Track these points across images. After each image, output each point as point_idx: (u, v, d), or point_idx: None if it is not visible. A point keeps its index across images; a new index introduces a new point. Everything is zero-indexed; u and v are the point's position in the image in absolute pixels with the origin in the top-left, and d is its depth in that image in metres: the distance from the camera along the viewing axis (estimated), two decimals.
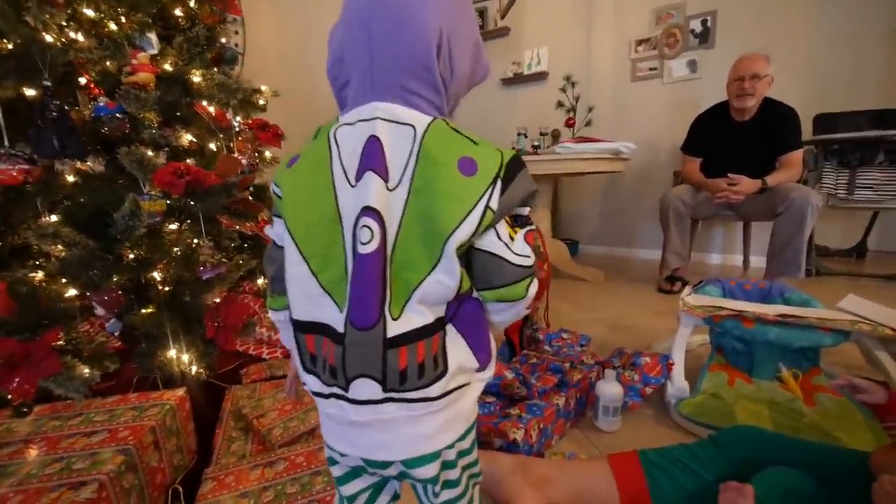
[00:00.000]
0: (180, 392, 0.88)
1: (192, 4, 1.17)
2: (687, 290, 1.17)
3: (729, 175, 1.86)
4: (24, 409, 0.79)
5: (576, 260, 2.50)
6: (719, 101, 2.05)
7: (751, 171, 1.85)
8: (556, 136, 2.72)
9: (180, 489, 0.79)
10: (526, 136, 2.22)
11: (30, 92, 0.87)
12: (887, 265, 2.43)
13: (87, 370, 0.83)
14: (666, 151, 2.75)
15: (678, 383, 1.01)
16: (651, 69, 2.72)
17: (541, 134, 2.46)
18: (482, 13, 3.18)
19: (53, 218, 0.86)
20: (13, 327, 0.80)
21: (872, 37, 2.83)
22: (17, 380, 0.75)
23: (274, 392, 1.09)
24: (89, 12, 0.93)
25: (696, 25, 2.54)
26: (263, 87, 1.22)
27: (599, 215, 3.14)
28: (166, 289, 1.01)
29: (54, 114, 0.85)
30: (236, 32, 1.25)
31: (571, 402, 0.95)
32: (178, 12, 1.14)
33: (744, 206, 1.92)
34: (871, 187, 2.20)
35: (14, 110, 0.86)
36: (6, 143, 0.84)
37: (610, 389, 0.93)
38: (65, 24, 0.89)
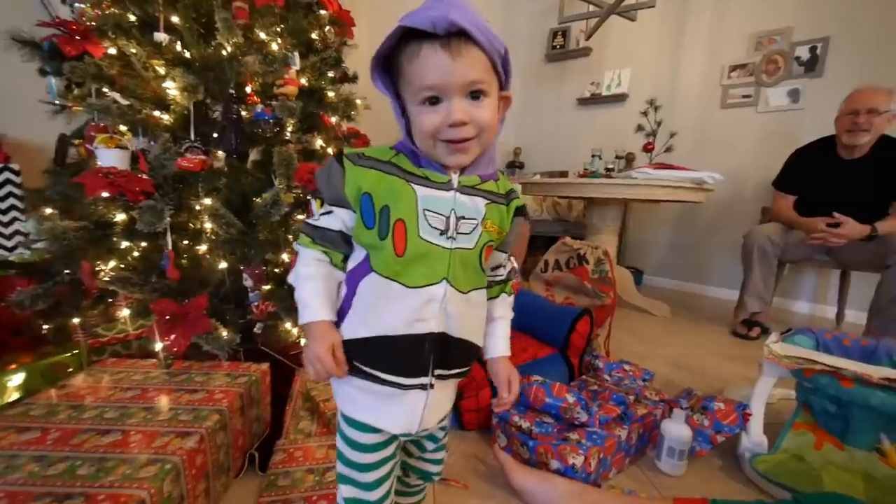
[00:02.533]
0: (265, 366, 0.97)
1: (326, 30, 1.35)
2: (773, 336, 1.08)
3: (834, 214, 1.68)
4: (170, 361, 0.94)
5: (640, 291, 2.38)
6: (824, 136, 1.87)
7: (857, 214, 1.67)
8: (630, 160, 2.63)
9: (256, 454, 0.87)
10: (600, 158, 2.17)
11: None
12: None
13: (225, 333, 0.98)
14: (753, 185, 2.55)
15: (755, 436, 0.94)
16: (745, 97, 2.55)
17: (616, 157, 2.39)
18: (564, 33, 3.18)
19: (208, 201, 1.02)
20: (175, 291, 0.97)
21: None
22: (173, 335, 0.90)
23: None
24: (262, 34, 1.13)
25: (802, 52, 2.35)
26: (358, 101, 1.36)
27: (670, 246, 2.97)
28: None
29: (234, 116, 1.05)
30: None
31: (633, 436, 0.91)
32: (314, 35, 1.32)
33: (846, 252, 1.73)
34: None
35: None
36: (192, 136, 1.04)
37: (678, 430, 0.89)
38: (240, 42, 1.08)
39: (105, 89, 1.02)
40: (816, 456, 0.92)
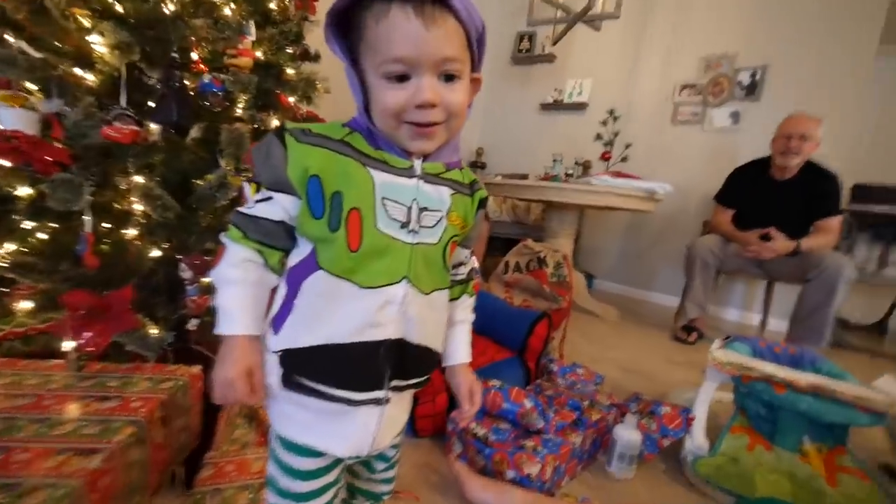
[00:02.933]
0: (196, 369, 0.86)
1: (286, 1, 1.23)
2: (716, 343, 1.14)
3: (770, 231, 1.82)
4: (82, 363, 0.80)
5: (591, 294, 2.46)
6: (761, 157, 2.02)
7: (785, 231, 1.82)
8: (587, 168, 2.71)
9: (179, 470, 0.77)
10: (561, 163, 2.21)
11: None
12: None
13: (156, 331, 0.86)
14: (697, 199, 2.72)
15: (698, 440, 0.98)
16: (693, 114, 2.71)
17: (575, 163, 2.45)
18: (531, 37, 3.22)
19: (139, 179, 0.88)
20: (93, 281, 0.83)
21: None
22: (90, 332, 0.77)
23: None
24: None
25: (744, 77, 2.54)
26: (318, 84, 1.26)
27: (619, 252, 3.10)
28: None
29: (176, 84, 0.93)
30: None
31: (587, 442, 0.92)
32: (272, 5, 1.19)
33: (773, 265, 1.89)
34: None
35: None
36: (123, 103, 0.89)
37: (629, 435, 0.90)
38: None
39: (8, 36, 0.85)
40: (749, 457, 0.98)
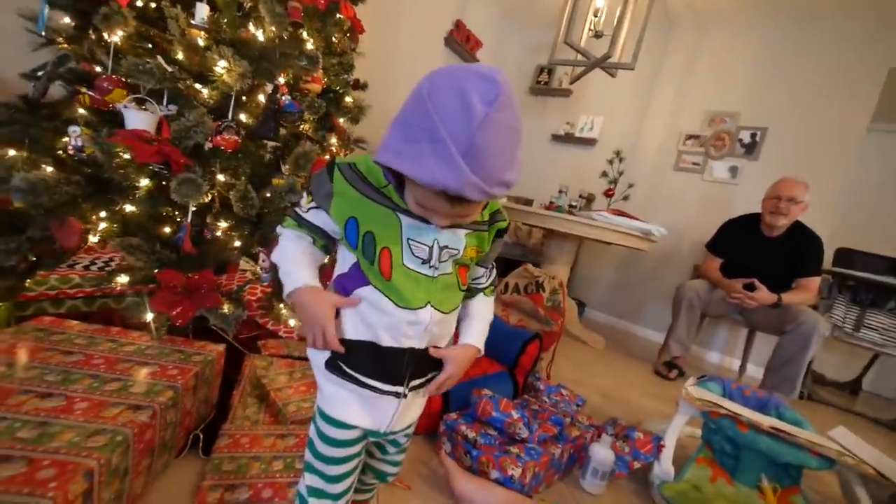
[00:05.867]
0: (221, 347, 0.95)
1: (346, 35, 1.39)
2: (691, 380, 1.24)
3: (754, 281, 1.94)
4: (163, 332, 0.92)
5: (581, 322, 2.56)
6: (753, 212, 2.16)
7: (768, 284, 1.94)
8: (590, 201, 2.84)
9: (200, 436, 0.85)
10: (566, 195, 2.34)
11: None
12: (877, 408, 2.48)
13: (232, 308, 0.99)
14: (690, 243, 2.85)
15: (665, 465, 1.07)
16: (694, 164, 2.86)
17: (580, 196, 2.58)
18: (550, 72, 3.38)
19: (239, 181, 1.03)
20: (174, 263, 0.96)
21: None
22: (180, 307, 0.89)
23: (289, 370, 1.15)
24: (304, 33, 1.17)
25: (745, 136, 2.70)
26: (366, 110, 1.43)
27: (612, 285, 3.22)
28: None
29: (276, 106, 1.08)
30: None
31: (565, 455, 1.00)
32: (334, 38, 1.36)
33: (755, 315, 2.00)
34: (878, 330, 2.28)
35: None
36: (230, 117, 1.04)
37: (603, 453, 0.99)
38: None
39: (144, 51, 0.97)
40: (711, 488, 1.07)
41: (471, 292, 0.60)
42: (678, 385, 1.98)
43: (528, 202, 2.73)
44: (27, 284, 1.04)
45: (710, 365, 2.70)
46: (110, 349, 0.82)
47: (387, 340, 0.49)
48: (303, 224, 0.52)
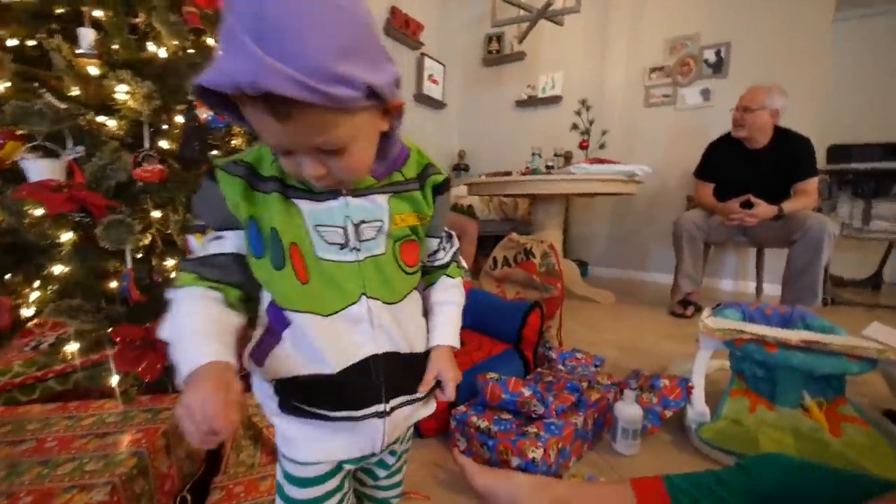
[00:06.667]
0: None
1: None
2: (706, 312, 1.15)
3: (750, 197, 1.86)
4: (132, 395, 0.84)
5: (586, 281, 2.48)
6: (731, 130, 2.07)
7: (765, 198, 1.85)
8: (568, 158, 2.74)
9: (188, 497, 0.77)
10: (540, 156, 2.24)
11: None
12: None
13: None
14: (677, 177, 2.76)
15: (699, 407, 0.99)
16: (665, 96, 2.76)
17: (555, 155, 2.48)
18: (499, 38, 3.27)
19: (175, 214, 0.94)
20: (143, 315, 0.87)
21: (881, 73, 2.88)
22: (144, 362, 0.81)
23: None
24: (209, 40, 1.06)
25: (710, 55, 2.59)
26: None
27: (609, 238, 3.13)
28: None
29: (195, 124, 0.98)
30: None
31: (589, 422, 0.93)
32: None
33: (758, 232, 1.91)
34: (888, 218, 2.19)
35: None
36: (147, 145, 0.93)
37: (629, 410, 0.91)
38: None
39: (32, 94, 0.87)
40: (751, 418, 0.99)
41: (431, 275, 0.51)
42: (696, 321, 1.90)
43: (507, 174, 2.64)
44: None
45: (724, 293, 2.62)
46: (67, 427, 0.74)
47: (338, 364, 0.40)
48: (205, 272, 0.40)
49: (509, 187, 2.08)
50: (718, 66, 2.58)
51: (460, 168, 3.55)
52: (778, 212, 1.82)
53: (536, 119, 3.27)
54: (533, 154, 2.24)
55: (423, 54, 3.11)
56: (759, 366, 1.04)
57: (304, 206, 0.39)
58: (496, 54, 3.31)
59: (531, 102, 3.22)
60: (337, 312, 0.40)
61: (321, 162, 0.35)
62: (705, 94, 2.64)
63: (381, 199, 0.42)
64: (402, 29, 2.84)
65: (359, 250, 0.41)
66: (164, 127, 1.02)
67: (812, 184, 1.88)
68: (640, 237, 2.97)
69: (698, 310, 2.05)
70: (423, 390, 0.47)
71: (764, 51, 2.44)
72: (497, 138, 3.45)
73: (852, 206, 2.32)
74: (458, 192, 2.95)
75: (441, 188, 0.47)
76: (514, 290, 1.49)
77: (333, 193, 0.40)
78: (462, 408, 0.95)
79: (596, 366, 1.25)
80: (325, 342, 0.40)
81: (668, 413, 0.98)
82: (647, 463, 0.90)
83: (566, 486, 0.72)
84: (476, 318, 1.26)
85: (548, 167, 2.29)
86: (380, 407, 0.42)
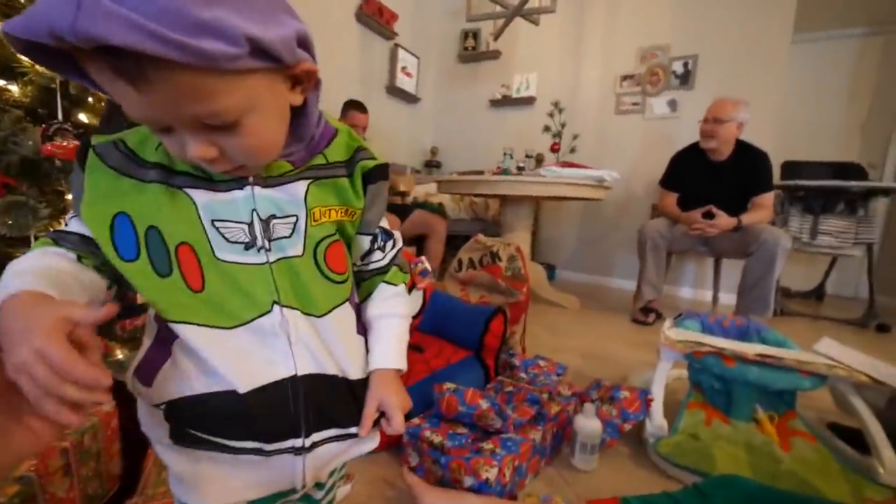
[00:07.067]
0: (108, 407, 0.76)
1: None
2: (668, 323, 1.15)
3: (711, 208, 1.90)
4: None
5: (553, 285, 2.48)
6: (697, 141, 2.11)
7: (725, 209, 1.90)
8: (539, 160, 2.73)
9: None
10: (512, 157, 2.21)
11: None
12: (843, 309, 2.55)
13: (128, 352, 0.81)
14: (644, 185, 2.81)
15: (657, 421, 0.97)
16: (634, 104, 2.80)
17: (526, 156, 2.46)
18: (475, 35, 3.22)
19: None
20: None
21: (833, 95, 3.05)
22: None
23: None
24: None
25: (678, 67, 2.65)
26: None
27: (578, 242, 3.16)
28: None
29: None
30: None
31: (548, 437, 0.89)
32: None
33: (717, 242, 1.97)
34: (832, 234, 2.31)
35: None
36: (60, 117, 0.81)
37: (589, 425, 0.88)
38: None
39: None
40: (707, 432, 0.98)
41: (367, 282, 0.44)
42: (658, 329, 1.93)
43: (479, 173, 2.59)
44: None
45: (683, 301, 2.69)
46: None
47: (246, 383, 0.33)
48: (61, 241, 0.32)
49: (480, 187, 2.04)
50: (686, 78, 2.65)
51: (432, 165, 3.48)
52: (737, 223, 1.88)
53: (510, 119, 3.25)
54: (505, 154, 2.21)
55: (396, 45, 3.01)
56: (716, 378, 1.04)
57: (199, 197, 0.32)
58: (472, 51, 3.26)
59: (505, 102, 3.20)
60: (245, 324, 0.33)
61: (209, 141, 0.27)
62: (672, 104, 2.70)
63: (298, 189, 0.35)
64: (376, 16, 2.73)
65: (269, 250, 0.34)
66: (89, 99, 0.89)
67: (769, 198, 1.95)
68: (607, 243, 3.02)
69: (659, 317, 2.09)
70: (362, 434, 0.40)
71: (728, 66, 2.52)
72: (471, 136, 3.40)
73: (801, 221, 2.44)
74: (429, 188, 2.89)
75: (374, 175, 0.39)
76: (478, 293, 1.44)
77: (238, 181, 0.33)
78: (416, 420, 0.89)
79: (558, 374, 1.22)
80: (229, 361, 0.32)
81: (628, 426, 0.96)
82: (606, 478, 0.88)
83: None
84: (437, 322, 1.20)
85: (519, 168, 2.26)
86: (296, 442, 0.35)
